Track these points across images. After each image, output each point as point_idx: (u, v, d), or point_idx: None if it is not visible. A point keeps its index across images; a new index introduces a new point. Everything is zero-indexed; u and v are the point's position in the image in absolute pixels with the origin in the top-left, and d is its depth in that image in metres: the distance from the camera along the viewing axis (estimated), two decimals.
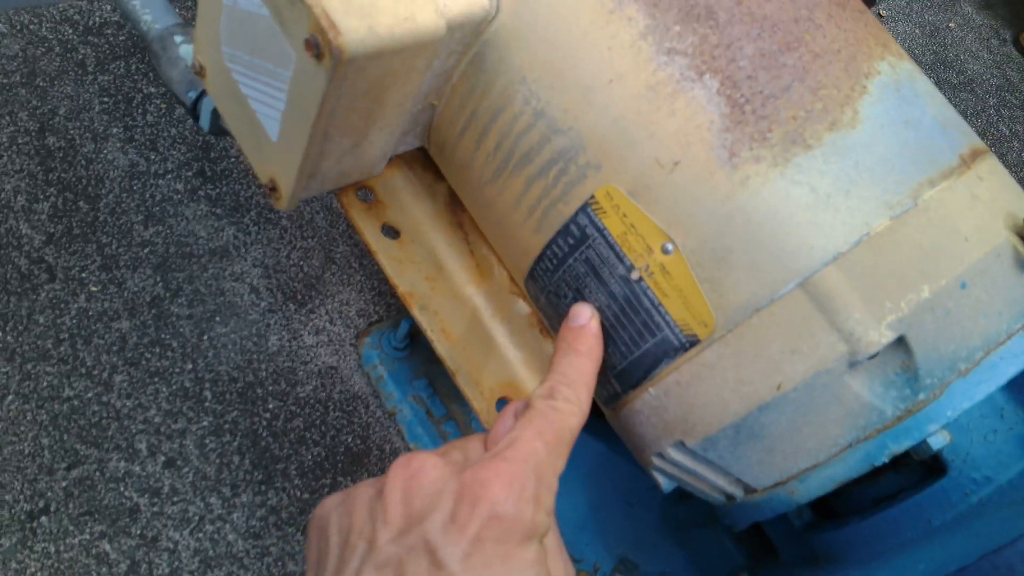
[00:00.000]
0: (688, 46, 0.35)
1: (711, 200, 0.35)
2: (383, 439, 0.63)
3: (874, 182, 0.35)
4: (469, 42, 0.40)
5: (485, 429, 0.44)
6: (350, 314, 0.67)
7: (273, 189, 0.43)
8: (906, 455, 0.37)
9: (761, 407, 0.36)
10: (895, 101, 0.36)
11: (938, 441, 0.37)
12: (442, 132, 0.45)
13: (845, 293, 0.34)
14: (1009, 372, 0.37)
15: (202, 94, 0.47)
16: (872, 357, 0.34)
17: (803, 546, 0.47)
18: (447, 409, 0.65)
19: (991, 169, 0.38)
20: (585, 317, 0.40)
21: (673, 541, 0.60)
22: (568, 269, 0.41)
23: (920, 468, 0.41)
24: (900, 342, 0.35)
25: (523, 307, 0.55)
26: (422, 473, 0.31)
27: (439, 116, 0.45)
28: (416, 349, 0.66)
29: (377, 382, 0.64)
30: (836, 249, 0.34)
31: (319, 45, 0.33)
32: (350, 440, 0.62)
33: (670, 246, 0.36)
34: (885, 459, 0.37)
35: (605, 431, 0.64)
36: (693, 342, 0.37)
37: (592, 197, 0.38)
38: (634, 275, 0.38)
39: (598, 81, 0.37)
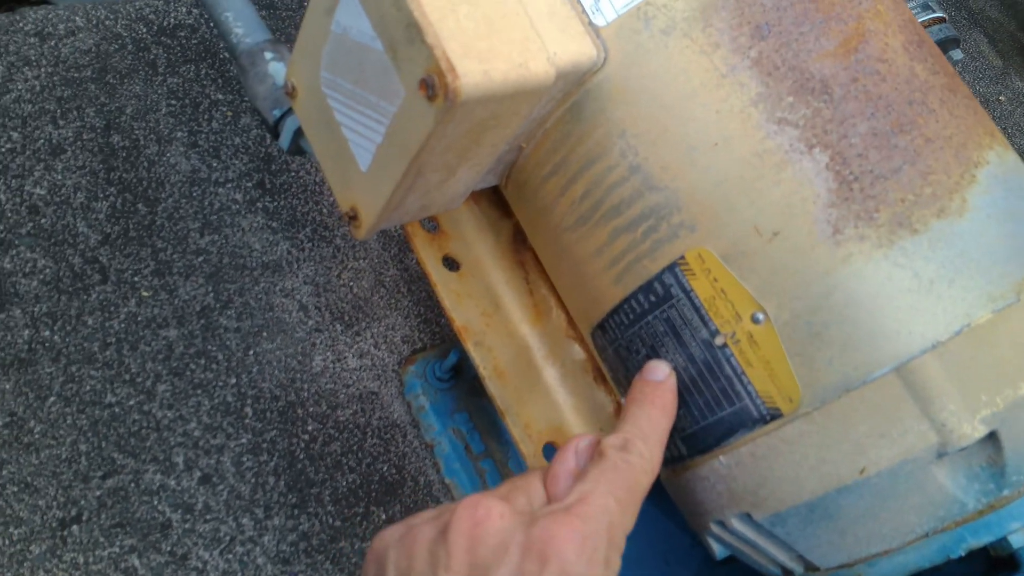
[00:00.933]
0: (800, 118, 0.35)
1: (810, 274, 0.35)
2: (418, 471, 0.62)
3: (978, 273, 0.34)
4: (569, 90, 0.40)
5: (524, 469, 0.43)
6: (395, 340, 0.66)
7: (354, 218, 0.43)
8: (981, 549, 0.37)
9: (840, 489, 0.35)
10: (1002, 193, 0.36)
11: (1019, 539, 0.36)
12: (525, 173, 0.45)
13: (941, 383, 0.33)
14: None
15: (287, 113, 0.47)
16: (962, 450, 0.34)
17: None
18: (486, 446, 0.64)
19: None
20: (663, 374, 0.39)
21: None
22: (646, 326, 0.41)
23: (989, 561, 0.40)
24: (991, 437, 0.34)
25: (578, 352, 0.55)
26: (488, 520, 0.30)
27: (525, 158, 0.44)
28: (459, 381, 0.65)
29: (418, 412, 0.64)
30: (936, 337, 0.33)
31: (435, 86, 0.33)
32: (385, 469, 0.62)
33: (761, 316, 0.36)
34: (962, 552, 0.36)
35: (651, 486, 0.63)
36: (775, 415, 0.36)
37: (682, 257, 0.38)
38: (718, 340, 0.37)
39: (702, 143, 0.37)
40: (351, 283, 0.66)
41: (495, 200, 0.56)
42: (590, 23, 0.38)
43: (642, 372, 0.40)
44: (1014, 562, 0.39)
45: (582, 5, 0.39)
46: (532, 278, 0.56)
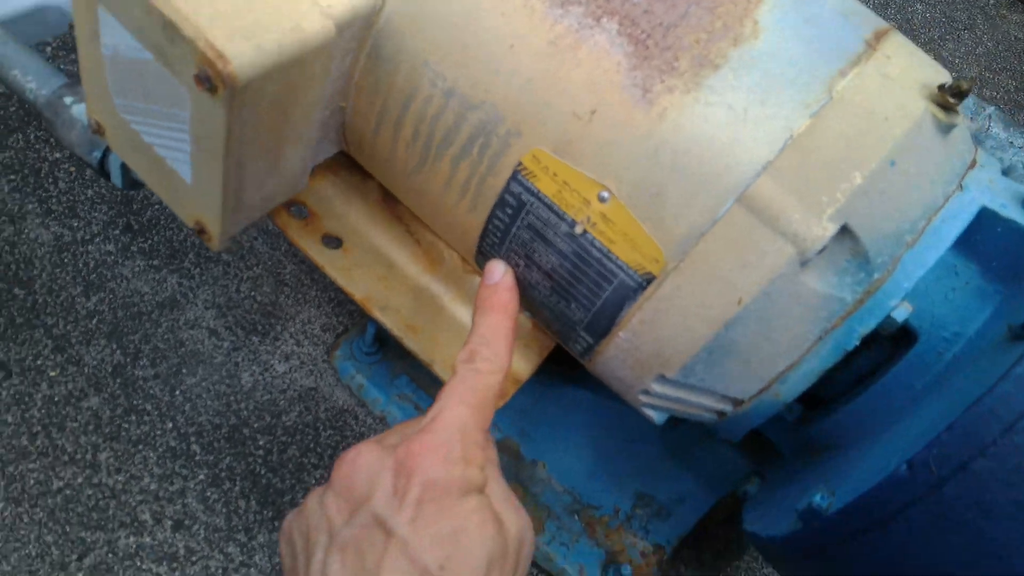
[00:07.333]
0: None
1: (634, 140, 0.36)
2: None
3: (787, 86, 0.35)
4: (361, 37, 0.40)
5: None
6: (315, 331, 0.66)
7: (202, 231, 0.42)
8: (874, 333, 0.39)
9: (727, 324, 0.37)
10: (792, 3, 0.37)
11: (902, 313, 0.38)
12: (357, 131, 0.45)
13: (781, 198, 0.35)
14: (953, 233, 0.39)
15: (107, 151, 0.46)
16: (821, 252, 0.35)
17: (801, 438, 0.48)
18: (434, 399, 0.65)
19: (897, 46, 0.38)
20: (499, 274, 0.42)
21: (680, 464, 0.62)
22: (513, 239, 0.41)
23: (890, 341, 0.42)
24: (844, 231, 0.36)
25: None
26: (359, 459, 0.33)
27: (350, 116, 0.44)
28: (388, 349, 0.66)
29: (359, 391, 0.64)
30: (764, 159, 0.34)
31: (210, 78, 0.32)
32: None
33: (605, 194, 0.37)
34: (856, 342, 0.38)
35: (590, 379, 0.64)
36: (649, 280, 0.37)
37: (520, 164, 0.38)
38: (578, 229, 0.38)
39: (499, 48, 0.37)
40: (253, 292, 0.66)
41: (351, 164, 0.56)
42: None
43: (483, 276, 0.42)
44: (909, 334, 0.41)
45: None
46: (414, 228, 0.56)
